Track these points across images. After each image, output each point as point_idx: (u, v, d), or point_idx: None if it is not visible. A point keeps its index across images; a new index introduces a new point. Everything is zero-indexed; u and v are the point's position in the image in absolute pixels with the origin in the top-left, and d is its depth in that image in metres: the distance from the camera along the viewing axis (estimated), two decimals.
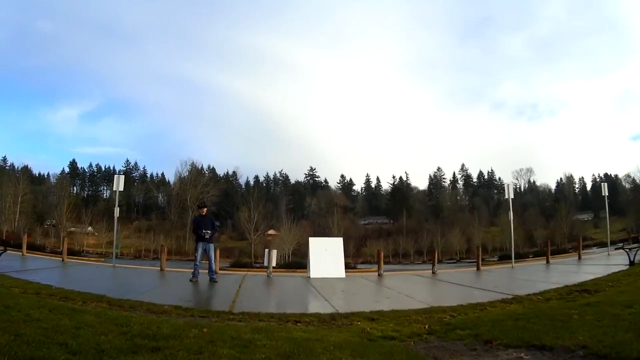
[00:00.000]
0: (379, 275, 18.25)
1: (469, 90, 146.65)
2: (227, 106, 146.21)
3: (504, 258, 48.52)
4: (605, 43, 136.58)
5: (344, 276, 17.40)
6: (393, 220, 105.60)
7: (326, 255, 17.77)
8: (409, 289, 13.84)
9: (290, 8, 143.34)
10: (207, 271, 14.80)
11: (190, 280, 14.15)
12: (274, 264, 18.00)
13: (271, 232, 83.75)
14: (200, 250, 14.86)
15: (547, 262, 22.72)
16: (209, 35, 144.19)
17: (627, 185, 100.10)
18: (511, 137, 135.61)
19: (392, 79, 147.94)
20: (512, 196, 22.17)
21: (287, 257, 64.76)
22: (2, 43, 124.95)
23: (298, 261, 42.84)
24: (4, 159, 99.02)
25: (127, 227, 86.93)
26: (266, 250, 18.60)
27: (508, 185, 23.18)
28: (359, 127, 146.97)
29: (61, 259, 20.87)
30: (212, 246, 15.07)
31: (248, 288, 13.44)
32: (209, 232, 14.86)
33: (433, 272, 18.94)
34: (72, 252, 42.47)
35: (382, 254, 20.13)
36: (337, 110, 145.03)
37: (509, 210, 22.95)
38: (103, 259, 39.36)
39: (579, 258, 24.44)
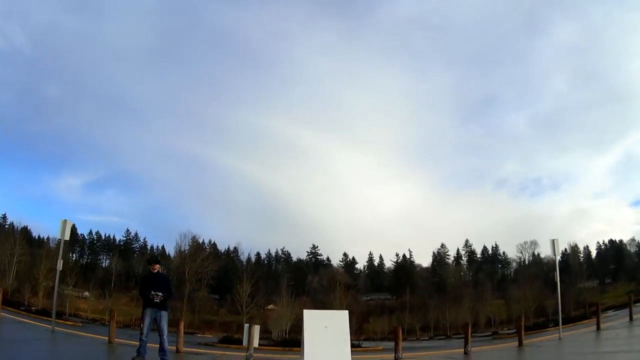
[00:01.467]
0: (396, 359, 13.37)
1: (472, 169, 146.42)
2: (231, 184, 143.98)
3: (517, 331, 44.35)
4: (608, 114, 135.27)
5: None
6: (396, 297, 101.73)
7: (326, 335, 12.87)
8: None
9: (296, 91, 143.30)
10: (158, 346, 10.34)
11: (133, 359, 10.00)
12: (255, 343, 13.11)
13: (270, 307, 78.89)
14: (147, 320, 10.37)
15: (598, 328, 18.09)
16: (215, 115, 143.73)
17: (633, 249, 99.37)
18: (515, 212, 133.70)
19: (396, 159, 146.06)
20: (558, 256, 18.22)
21: (285, 333, 59.42)
22: (7, 105, 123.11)
23: (296, 338, 37.44)
24: (4, 217, 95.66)
25: (126, 295, 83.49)
26: (245, 325, 13.63)
27: (554, 240, 18.56)
28: (362, 206, 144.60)
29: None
30: (164, 315, 10.52)
31: None
32: (159, 294, 10.36)
33: (466, 353, 14.19)
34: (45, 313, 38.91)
35: (400, 332, 15.00)
36: (340, 191, 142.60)
37: (556, 270, 20.00)
38: (80, 324, 34.51)
39: (631, 319, 21.94)
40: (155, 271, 10.79)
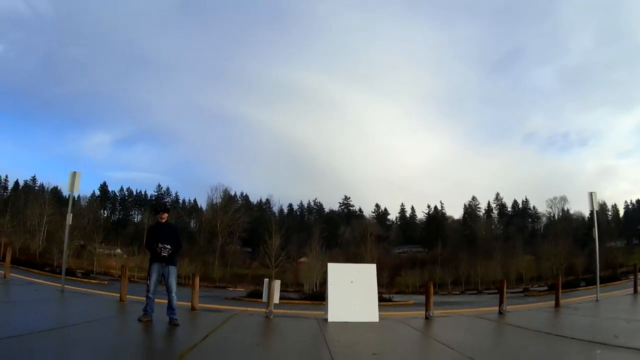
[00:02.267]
0: (427, 318, 12.49)
1: (500, 122, 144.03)
2: (261, 136, 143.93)
3: (553, 288, 42.35)
4: (634, 72, 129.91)
5: (376, 320, 11.77)
6: (428, 249, 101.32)
7: (352, 290, 12.04)
8: (486, 350, 7.95)
9: (322, 43, 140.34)
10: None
11: (139, 320, 9.21)
12: (276, 299, 12.31)
13: (302, 259, 78.84)
14: (154, 276, 9.53)
15: (635, 291, 17.14)
16: (243, 69, 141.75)
17: None
18: (544, 166, 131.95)
19: (424, 111, 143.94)
20: (596, 208, 16.74)
21: (315, 286, 59.30)
22: (35, 69, 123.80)
23: (323, 292, 36.95)
24: (34, 179, 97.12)
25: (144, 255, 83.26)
26: (265, 280, 12.75)
27: (592, 193, 17.18)
28: (393, 157, 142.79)
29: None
30: (172, 270, 9.65)
31: (216, 341, 7.79)
32: (167, 247, 9.45)
33: (500, 312, 13.29)
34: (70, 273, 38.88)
35: (432, 288, 14.01)
36: (370, 142, 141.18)
37: (594, 226, 18.17)
38: (106, 282, 34.56)
39: None
40: (164, 221, 9.85)
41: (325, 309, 12.32)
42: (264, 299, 12.33)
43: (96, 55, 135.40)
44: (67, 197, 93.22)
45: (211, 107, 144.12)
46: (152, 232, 9.91)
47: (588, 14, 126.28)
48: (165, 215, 9.91)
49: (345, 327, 10.55)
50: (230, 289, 58.48)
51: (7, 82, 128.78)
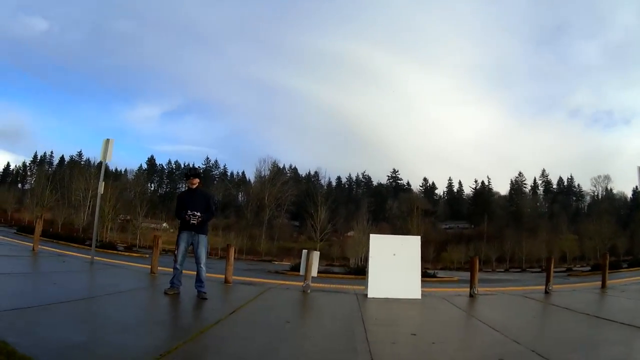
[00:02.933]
0: (471, 295, 11.80)
1: (545, 97, 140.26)
2: (308, 109, 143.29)
3: (597, 268, 43.00)
4: None
5: (419, 297, 11.17)
6: (474, 225, 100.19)
7: (394, 263, 11.40)
8: (532, 334, 7.24)
9: (368, 14, 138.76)
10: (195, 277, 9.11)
11: (165, 293, 8.81)
12: (314, 272, 11.80)
13: (350, 233, 78.51)
14: (182, 245, 9.08)
15: None
16: (288, 40, 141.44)
17: None
18: (589, 143, 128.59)
19: (470, 83, 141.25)
20: None
21: (360, 260, 58.75)
22: (80, 43, 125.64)
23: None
24: (80, 154, 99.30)
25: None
26: (303, 252, 12.25)
27: None
28: (440, 130, 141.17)
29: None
30: (202, 239, 9.14)
31: (243, 318, 7.34)
32: (197, 214, 8.95)
33: (547, 292, 12.70)
34: (109, 246, 39.71)
35: (477, 265, 13.23)
36: (419, 114, 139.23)
37: None
38: (147, 256, 34.93)
39: None
40: (194, 187, 9.35)
41: (365, 283, 11.77)
42: (301, 271, 11.87)
43: (143, 28, 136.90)
44: (113, 170, 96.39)
45: (260, 78, 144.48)
46: (182, 198, 9.43)
47: None
48: (197, 180, 9.39)
49: (385, 303, 10.00)
50: (276, 262, 58.62)
51: (53, 58, 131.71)
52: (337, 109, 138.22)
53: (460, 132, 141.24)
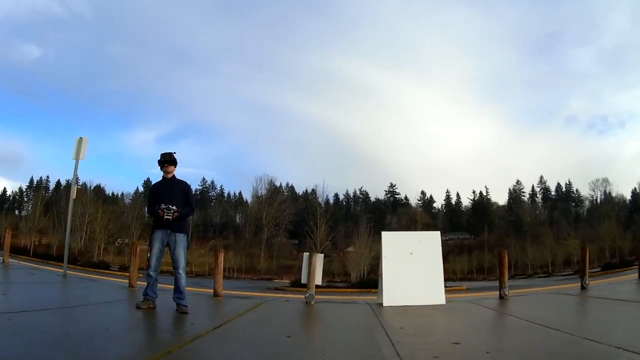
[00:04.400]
0: (501, 297, 10.04)
1: (541, 106, 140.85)
2: (304, 127, 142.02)
3: (607, 267, 46.52)
4: None
5: (443, 302, 9.35)
6: (474, 236, 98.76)
7: (412, 264, 9.59)
8: (601, 325, 5.55)
9: (361, 31, 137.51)
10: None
11: (138, 307, 7.01)
12: (318, 279, 9.93)
13: (350, 249, 76.78)
14: (157, 247, 7.27)
15: None
16: (283, 59, 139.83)
17: None
18: (585, 149, 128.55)
19: (465, 95, 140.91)
20: None
21: (363, 274, 56.94)
22: (75, 68, 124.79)
23: (375, 278, 34.76)
24: (77, 178, 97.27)
25: (204, 246, 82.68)
26: (304, 254, 10.38)
27: None
28: (435, 143, 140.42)
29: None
30: (180, 239, 7.37)
31: (230, 332, 5.56)
32: (173, 208, 7.15)
33: (583, 287, 11.17)
34: (101, 266, 37.96)
35: (505, 260, 11.40)
36: (413, 129, 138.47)
37: None
38: (142, 274, 33.03)
39: None
40: (170, 177, 7.58)
41: (379, 291, 10.00)
42: (303, 279, 9.98)
43: (137, 52, 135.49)
44: (111, 194, 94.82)
45: (254, 98, 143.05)
46: (155, 190, 7.62)
47: None
48: (172, 168, 7.58)
49: (407, 311, 8.24)
50: (276, 280, 57.02)
51: (48, 82, 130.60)
52: (331, 126, 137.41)
53: (457, 144, 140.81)
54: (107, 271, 35.78)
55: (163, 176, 7.64)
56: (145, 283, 7.24)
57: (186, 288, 7.23)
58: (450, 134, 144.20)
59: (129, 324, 5.88)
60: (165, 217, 7.10)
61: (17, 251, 40.50)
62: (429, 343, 5.15)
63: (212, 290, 10.22)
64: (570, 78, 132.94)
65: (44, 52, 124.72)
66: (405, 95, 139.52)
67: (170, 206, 7.15)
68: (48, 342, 4.04)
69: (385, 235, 10.25)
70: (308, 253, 10.17)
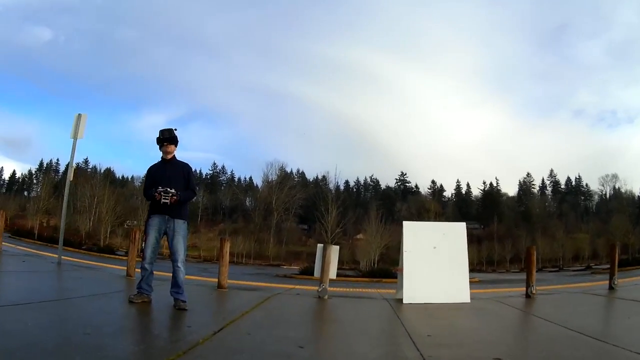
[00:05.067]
0: (527, 295, 9.23)
1: (549, 97, 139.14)
2: (315, 115, 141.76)
3: (622, 265, 43.26)
4: None
5: (468, 300, 8.52)
6: (484, 226, 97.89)
7: (435, 259, 8.72)
8: None
9: (371, 21, 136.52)
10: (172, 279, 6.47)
11: (131, 301, 6.23)
12: (332, 274, 9.07)
13: (360, 236, 76.16)
14: (152, 236, 6.42)
15: None
16: (293, 47, 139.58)
17: None
18: (595, 143, 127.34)
19: (474, 85, 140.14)
20: None
21: (372, 263, 56.78)
22: (85, 53, 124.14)
23: (385, 268, 33.80)
24: (86, 162, 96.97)
25: (212, 230, 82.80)
26: (318, 246, 9.53)
27: None
28: (449, 133, 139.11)
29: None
30: (180, 226, 6.50)
31: (232, 340, 4.65)
32: (171, 191, 6.30)
33: (611, 287, 10.45)
34: (107, 250, 37.58)
35: (534, 257, 10.52)
36: (423, 118, 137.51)
37: None
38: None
39: None
40: (170, 158, 6.66)
41: (398, 285, 9.14)
42: (316, 273, 9.12)
43: (147, 37, 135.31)
44: (120, 178, 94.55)
45: (265, 84, 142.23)
46: (153, 172, 6.69)
47: None
48: (172, 147, 6.67)
49: (430, 311, 7.38)
50: (284, 266, 56.29)
51: (58, 66, 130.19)
52: (343, 113, 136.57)
53: (468, 134, 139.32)
54: (112, 256, 35.07)
55: (162, 157, 6.71)
56: (140, 273, 6.44)
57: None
58: (460, 124, 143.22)
59: (117, 326, 4.98)
60: (163, 200, 6.24)
61: (22, 234, 40.03)
62: (468, 358, 4.27)
63: (217, 281, 9.34)
64: (578, 70, 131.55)
65: (55, 36, 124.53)
66: (416, 84, 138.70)
67: (169, 189, 6.28)
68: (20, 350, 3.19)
69: (407, 225, 9.27)
70: (322, 245, 9.30)
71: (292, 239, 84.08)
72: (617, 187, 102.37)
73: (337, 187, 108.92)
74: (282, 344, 4.66)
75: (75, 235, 55.70)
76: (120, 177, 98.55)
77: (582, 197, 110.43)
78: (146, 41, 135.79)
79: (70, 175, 12.53)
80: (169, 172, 6.52)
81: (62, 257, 11.96)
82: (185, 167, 6.77)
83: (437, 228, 10.13)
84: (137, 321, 5.37)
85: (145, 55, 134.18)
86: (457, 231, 9.38)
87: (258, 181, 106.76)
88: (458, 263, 8.87)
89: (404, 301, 8.23)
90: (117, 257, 35.65)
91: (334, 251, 9.14)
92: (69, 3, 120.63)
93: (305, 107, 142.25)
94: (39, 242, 28.44)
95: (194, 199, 7.03)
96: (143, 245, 6.44)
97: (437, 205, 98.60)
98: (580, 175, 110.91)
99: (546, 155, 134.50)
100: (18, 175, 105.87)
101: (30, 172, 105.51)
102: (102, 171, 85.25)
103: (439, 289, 8.46)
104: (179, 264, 6.30)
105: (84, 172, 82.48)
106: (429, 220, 70.83)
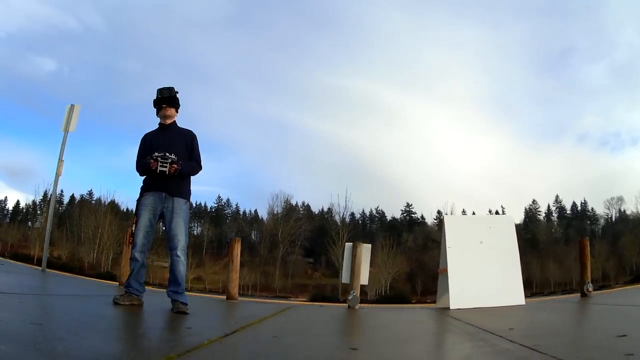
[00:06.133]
0: (583, 294, 8.24)
1: (552, 123, 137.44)
2: (319, 146, 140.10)
3: (636, 281, 43.11)
4: None
5: (523, 302, 7.28)
6: None
7: (483, 256, 7.39)
8: None
9: (372, 50, 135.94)
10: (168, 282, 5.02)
11: (116, 302, 4.74)
12: (364, 278, 7.62)
13: None
14: (146, 217, 4.95)
15: None
16: (294, 77, 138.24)
17: None
18: (599, 166, 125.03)
19: (475, 113, 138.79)
20: None
21: (382, 291, 56.24)
22: (89, 83, 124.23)
23: (399, 294, 32.30)
24: (90, 193, 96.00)
25: (217, 263, 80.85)
26: (346, 245, 8.09)
27: None
28: (452, 163, 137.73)
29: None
30: (181, 206, 5.06)
31: (245, 347, 3.07)
32: (171, 158, 4.88)
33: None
34: (107, 277, 36.11)
35: (588, 249, 9.16)
36: (426, 148, 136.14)
37: None
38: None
39: None
40: (169, 123, 5.25)
41: (439, 292, 7.74)
42: (344, 278, 7.67)
43: (149, 68, 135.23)
44: (124, 210, 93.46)
45: (268, 116, 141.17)
46: (148, 140, 5.23)
47: (633, 7, 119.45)
48: (173, 111, 5.25)
49: (488, 311, 6.16)
50: (291, 297, 54.86)
51: (62, 97, 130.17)
52: (348, 145, 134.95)
53: (472, 163, 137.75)
54: (114, 282, 33.64)
55: (159, 123, 5.29)
56: (129, 270, 4.98)
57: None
58: (464, 152, 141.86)
59: (90, 326, 3.50)
60: (160, 169, 4.81)
61: (21, 258, 40.05)
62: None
63: (226, 292, 7.82)
64: (582, 94, 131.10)
65: (59, 66, 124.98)
66: (421, 114, 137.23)
67: (168, 154, 4.86)
68: None
69: (449, 219, 7.97)
70: (351, 243, 7.86)
71: (298, 272, 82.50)
72: (622, 209, 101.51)
73: (343, 220, 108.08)
74: (326, 348, 3.18)
75: (77, 262, 55.20)
76: (124, 209, 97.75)
77: (588, 222, 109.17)
78: (149, 72, 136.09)
79: (60, 171, 11.17)
80: (169, 138, 5.10)
81: (53, 274, 10.59)
82: (188, 133, 5.32)
83: (481, 220, 8.93)
84: (123, 327, 3.88)
85: (148, 87, 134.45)
86: (505, 224, 8.22)
87: (263, 213, 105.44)
88: (508, 260, 7.64)
89: (452, 306, 6.92)
90: (118, 282, 34.31)
91: (366, 251, 7.72)
92: (72, 33, 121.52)
93: (309, 138, 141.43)
94: (37, 266, 27.23)
95: (198, 174, 5.45)
96: (133, 229, 4.95)
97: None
98: (586, 199, 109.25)
99: (551, 181, 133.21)
100: (22, 205, 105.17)
101: (34, 202, 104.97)
102: (106, 203, 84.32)
103: (490, 290, 7.21)
104: (179, 252, 4.84)
105: (87, 204, 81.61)
106: (435, 249, 69.84)
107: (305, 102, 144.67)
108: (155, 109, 5.27)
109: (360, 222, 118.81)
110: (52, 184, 12.03)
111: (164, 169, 4.79)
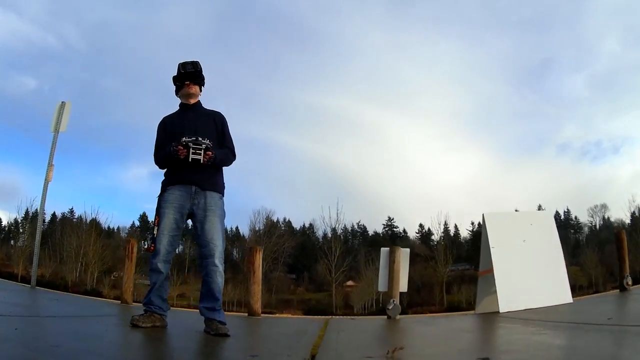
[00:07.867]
0: (622, 288, 7.95)
1: (532, 135, 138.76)
2: (300, 163, 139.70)
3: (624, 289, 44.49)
4: None
5: (570, 300, 6.79)
6: (474, 266, 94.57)
7: (527, 254, 6.92)
8: None
9: (351, 67, 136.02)
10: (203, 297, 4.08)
11: (134, 324, 3.60)
12: (403, 285, 6.84)
13: (349, 283, 74.46)
14: (169, 216, 3.95)
15: None
16: (273, 96, 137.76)
17: None
18: (581, 175, 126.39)
19: (456, 128, 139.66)
20: None
21: (371, 305, 56.53)
22: (70, 99, 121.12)
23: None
24: (71, 211, 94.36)
25: (200, 280, 79.81)
26: (382, 250, 7.32)
27: None
28: (433, 177, 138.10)
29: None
30: (216, 204, 4.03)
31: None
32: (205, 144, 3.87)
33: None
34: (94, 293, 35.18)
35: (625, 242, 8.50)
36: (407, 163, 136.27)
37: None
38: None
39: None
40: (193, 103, 4.23)
41: (479, 296, 7.10)
42: (381, 286, 6.84)
43: (131, 86, 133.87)
44: (107, 228, 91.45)
45: (248, 134, 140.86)
46: (168, 123, 4.23)
47: (614, 16, 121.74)
48: (197, 89, 4.23)
49: (550, 309, 5.69)
50: (276, 313, 54.27)
51: (42, 116, 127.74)
52: (326, 162, 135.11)
53: (452, 176, 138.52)
54: (100, 298, 32.36)
55: (181, 103, 4.28)
56: (149, 284, 3.94)
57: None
58: (445, 166, 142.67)
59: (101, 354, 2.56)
60: (192, 157, 3.80)
61: (4, 276, 39.08)
62: None
63: (247, 309, 6.88)
64: (561, 105, 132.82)
65: (39, 85, 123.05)
66: (396, 129, 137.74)
67: (201, 138, 3.90)
68: None
69: (489, 217, 7.34)
70: (388, 248, 7.02)
71: (282, 288, 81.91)
72: (606, 216, 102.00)
73: (324, 235, 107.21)
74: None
75: (62, 281, 54.08)
76: (106, 228, 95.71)
77: (572, 231, 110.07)
78: (130, 91, 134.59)
79: (50, 176, 10.09)
80: (195, 120, 4.10)
81: (42, 291, 9.52)
82: (218, 115, 4.30)
83: (522, 218, 8.15)
84: (151, 351, 2.91)
85: (129, 105, 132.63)
86: (545, 220, 7.72)
87: (244, 231, 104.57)
88: (553, 257, 7.11)
89: (501, 310, 6.25)
90: (106, 299, 33.25)
91: (404, 255, 6.95)
92: (53, 52, 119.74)
93: (290, 155, 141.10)
94: (22, 284, 26.09)
95: (231, 165, 4.42)
96: (155, 233, 3.96)
97: (426, 249, 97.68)
98: (569, 208, 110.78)
99: (533, 191, 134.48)
100: (5, 223, 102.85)
101: (16, 220, 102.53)
102: (88, 221, 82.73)
103: (538, 289, 6.68)
104: (216, 261, 3.91)
105: (69, 222, 79.97)
106: (418, 263, 69.96)
107: (284, 120, 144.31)
108: (175, 87, 4.25)
109: (342, 237, 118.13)
110: (37, 199, 11.22)
111: (197, 157, 3.79)
